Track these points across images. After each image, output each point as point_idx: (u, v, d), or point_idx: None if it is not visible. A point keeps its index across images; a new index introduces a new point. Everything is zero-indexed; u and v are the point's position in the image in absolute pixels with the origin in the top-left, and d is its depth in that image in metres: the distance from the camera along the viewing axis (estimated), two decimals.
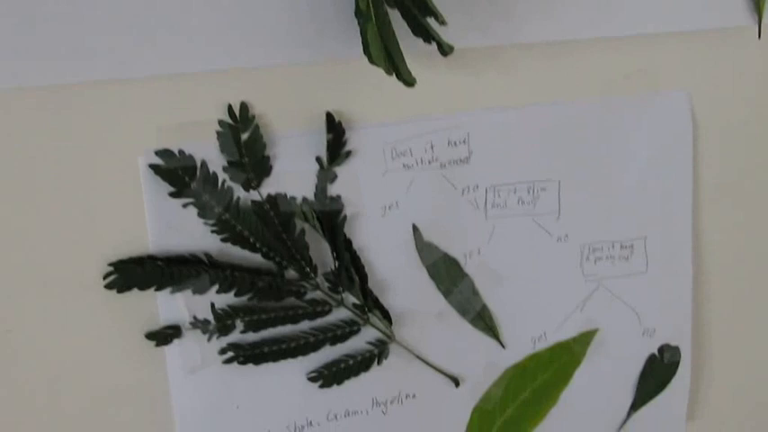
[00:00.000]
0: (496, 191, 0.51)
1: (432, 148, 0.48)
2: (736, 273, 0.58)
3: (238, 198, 0.43)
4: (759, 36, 0.52)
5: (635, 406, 0.58)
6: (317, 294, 0.46)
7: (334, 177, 0.47)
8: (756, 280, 0.59)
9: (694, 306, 0.57)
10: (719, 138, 0.54)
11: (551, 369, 0.54)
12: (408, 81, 0.40)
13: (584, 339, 0.55)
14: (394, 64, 0.40)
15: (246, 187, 0.44)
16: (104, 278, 0.41)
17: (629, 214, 0.54)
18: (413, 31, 0.39)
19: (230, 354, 0.45)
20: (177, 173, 0.41)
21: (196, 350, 0.45)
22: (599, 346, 0.56)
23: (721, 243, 0.57)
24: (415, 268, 0.49)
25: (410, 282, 0.49)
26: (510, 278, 0.52)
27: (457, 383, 0.52)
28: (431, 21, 0.39)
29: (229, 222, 0.43)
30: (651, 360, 0.57)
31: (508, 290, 0.52)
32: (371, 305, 0.48)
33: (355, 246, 0.48)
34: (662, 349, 0.58)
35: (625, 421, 0.58)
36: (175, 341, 0.44)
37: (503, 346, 0.53)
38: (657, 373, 0.58)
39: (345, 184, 0.47)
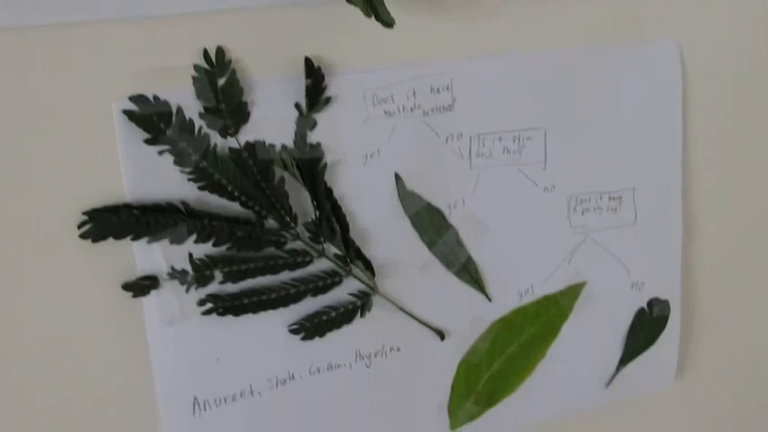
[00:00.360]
0: (481, 140, 0.52)
1: (414, 94, 0.50)
2: (727, 225, 0.61)
3: (215, 145, 0.43)
4: None
5: (624, 360, 0.60)
6: (298, 244, 0.47)
7: (313, 124, 0.48)
8: (747, 232, 0.62)
9: (684, 259, 0.60)
10: (709, 86, 0.56)
11: (539, 323, 0.57)
12: (387, 22, 0.42)
13: (572, 292, 0.57)
14: (372, 4, 0.41)
15: (224, 134, 0.44)
16: (79, 227, 0.41)
17: (617, 165, 0.56)
18: None
19: (209, 305, 0.45)
20: (152, 119, 0.41)
21: (174, 301, 0.45)
22: (587, 299, 0.58)
23: (712, 194, 0.59)
24: (397, 218, 0.51)
25: (393, 232, 0.51)
26: (496, 229, 0.54)
27: (442, 337, 0.54)
28: None
29: (207, 170, 0.44)
30: (640, 314, 0.60)
31: (494, 241, 0.54)
32: (353, 256, 0.50)
33: (336, 195, 0.49)
34: (651, 303, 0.60)
35: (614, 376, 0.60)
36: (153, 292, 0.44)
37: (489, 300, 0.55)
38: (646, 327, 0.60)
39: (325, 131, 0.48)
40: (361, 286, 0.51)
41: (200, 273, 0.46)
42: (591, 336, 0.58)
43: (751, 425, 0.65)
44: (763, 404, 0.65)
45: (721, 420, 0.64)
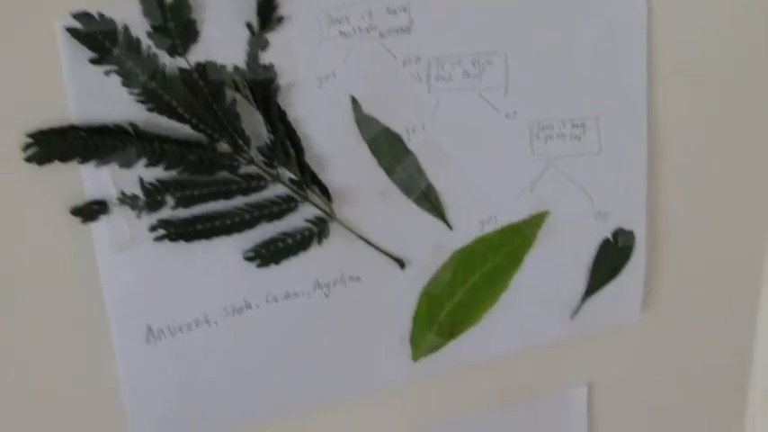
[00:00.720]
0: (440, 63, 0.54)
1: (370, 15, 0.51)
2: (694, 155, 0.63)
3: (164, 66, 0.44)
4: None
5: (588, 292, 0.63)
6: (252, 169, 0.48)
7: (265, 44, 0.49)
8: (715, 163, 0.65)
9: (649, 190, 0.62)
10: (675, 12, 0.58)
11: (501, 252, 0.59)
12: None
13: (535, 222, 0.60)
14: None
15: (172, 53, 0.44)
16: (24, 150, 0.42)
17: (581, 91, 0.58)
18: None
19: (161, 231, 0.47)
20: (97, 38, 0.41)
21: (125, 227, 0.46)
22: (551, 229, 0.60)
23: (678, 124, 0.61)
24: (355, 143, 0.53)
25: (350, 157, 0.53)
26: (456, 156, 0.56)
27: (402, 265, 0.57)
28: None
29: (155, 91, 0.44)
30: (605, 244, 0.63)
31: (455, 169, 0.56)
32: (309, 181, 0.52)
33: (291, 118, 0.50)
34: (616, 233, 0.63)
35: (579, 307, 0.64)
36: (102, 218, 0.45)
37: (450, 228, 0.58)
38: (611, 257, 0.63)
39: (278, 52, 0.50)
40: (318, 212, 0.53)
41: (152, 197, 0.48)
42: (555, 266, 0.60)
43: (717, 358, 0.69)
44: (729, 337, 0.68)
45: (688, 354, 0.68)
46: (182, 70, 0.45)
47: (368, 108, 0.53)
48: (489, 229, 0.57)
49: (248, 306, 0.53)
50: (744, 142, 0.64)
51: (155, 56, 0.45)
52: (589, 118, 0.60)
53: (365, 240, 0.55)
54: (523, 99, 0.57)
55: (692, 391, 0.70)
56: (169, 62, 0.45)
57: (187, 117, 0.47)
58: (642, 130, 0.61)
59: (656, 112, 0.61)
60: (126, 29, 0.44)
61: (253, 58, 0.49)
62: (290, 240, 0.51)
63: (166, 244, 0.48)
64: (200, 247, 0.48)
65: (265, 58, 0.48)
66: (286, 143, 0.51)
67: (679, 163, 0.62)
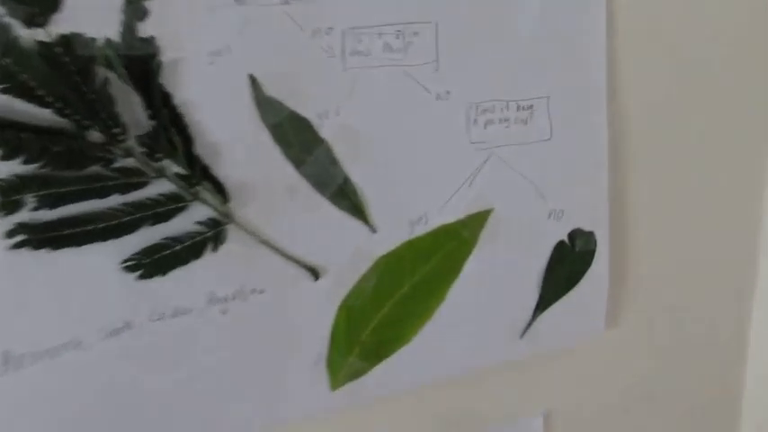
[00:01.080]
0: (356, 35, 0.58)
1: None
2: (663, 140, 0.68)
3: (19, 38, 0.44)
4: None
5: (541, 305, 0.67)
6: (130, 162, 0.49)
7: (144, 13, 0.49)
8: (688, 148, 0.69)
9: (611, 182, 0.66)
10: None
11: (435, 258, 0.63)
12: None
13: (475, 222, 0.64)
14: None
15: (29, 23, 0.45)
16: None
17: (526, 67, 0.63)
18: None
19: (20, 237, 0.47)
20: None
21: None
22: (494, 230, 0.65)
23: (644, 104, 0.65)
24: (255, 131, 0.54)
25: (250, 148, 0.54)
26: (379, 145, 0.58)
27: (316, 275, 0.60)
28: None
29: (9, 69, 0.44)
30: (560, 248, 0.67)
31: (377, 160, 0.58)
32: (200, 176, 0.55)
33: (177, 101, 0.50)
34: (573, 235, 0.67)
35: (530, 324, 0.68)
36: None
37: (372, 230, 0.61)
38: (568, 264, 0.67)
39: (160, 22, 0.51)
40: (212, 213, 0.54)
41: (8, 197, 0.47)
42: (500, 275, 0.64)
43: (696, 381, 0.72)
44: (712, 355, 0.72)
45: (661, 377, 0.71)
46: (41, 44, 0.45)
47: (270, 89, 0.54)
48: (420, 231, 0.60)
49: (129, 326, 0.53)
50: (722, 125, 0.67)
51: (7, 26, 0.44)
52: (537, 98, 0.64)
53: (270, 246, 0.56)
54: (458, 77, 0.61)
55: (666, 420, 0.72)
56: (26, 34, 0.45)
57: (49, 100, 0.46)
58: (601, 112, 0.65)
59: (617, 90, 0.65)
60: None
61: (128, 29, 0.48)
62: (178, 247, 0.53)
63: (27, 252, 0.48)
64: (68, 256, 0.49)
65: (144, 29, 0.49)
66: (171, 131, 0.51)
67: (646, 150, 0.66)
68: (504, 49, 0.60)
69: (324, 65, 0.57)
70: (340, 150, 0.59)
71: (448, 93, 0.60)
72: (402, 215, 0.59)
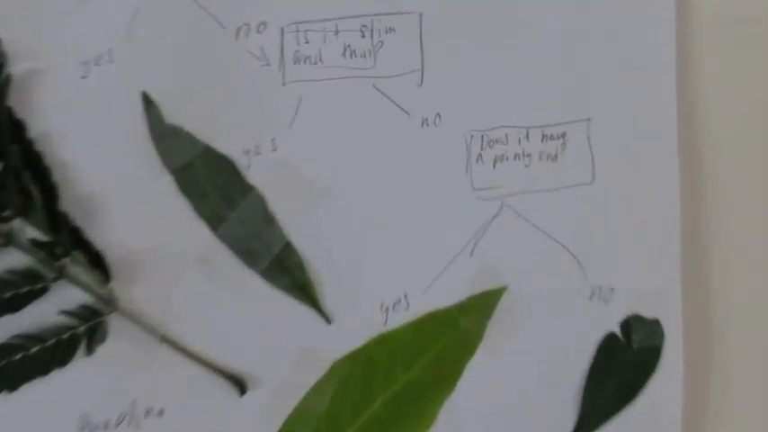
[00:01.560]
0: (301, 32, 0.58)
1: None
2: (763, 185, 0.67)
3: None
4: None
5: (582, 428, 0.65)
6: None
7: None
8: None
9: (687, 247, 0.66)
10: None
11: (421, 362, 0.62)
12: None
13: (480, 307, 0.63)
14: None
15: None
16: None
17: (557, 76, 0.63)
18: None
19: None
20: None
21: None
22: (509, 318, 0.64)
23: (735, 130, 0.65)
24: (152, 175, 0.56)
25: (144, 200, 0.56)
26: (336, 194, 0.60)
27: (243, 389, 0.60)
28: None
29: None
30: (608, 343, 0.66)
31: (333, 216, 0.59)
32: (68, 243, 0.55)
33: (34, 133, 0.54)
34: (628, 324, 0.66)
35: None
36: None
37: (327, 320, 0.61)
38: (621, 367, 0.65)
39: (8, 19, 0.53)
40: (86, 298, 0.55)
41: None
42: (518, 385, 0.63)
43: None
44: None
45: None
46: None
47: (174, 114, 0.56)
48: (398, 320, 0.60)
49: None
50: None
51: None
52: (573, 123, 0.64)
53: (173, 345, 0.57)
54: (453, 93, 0.61)
55: None
56: None
57: None
58: (670, 144, 0.65)
59: (695, 110, 0.66)
60: None
61: None
62: (34, 350, 0.53)
63: None
64: None
65: None
66: (23, 176, 0.53)
67: (738, 202, 0.66)
68: (523, 50, 0.61)
69: (254, 77, 0.58)
70: (277, 202, 0.59)
71: (438, 117, 0.60)
72: (371, 297, 0.60)
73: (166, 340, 0.58)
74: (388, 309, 0.61)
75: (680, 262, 0.66)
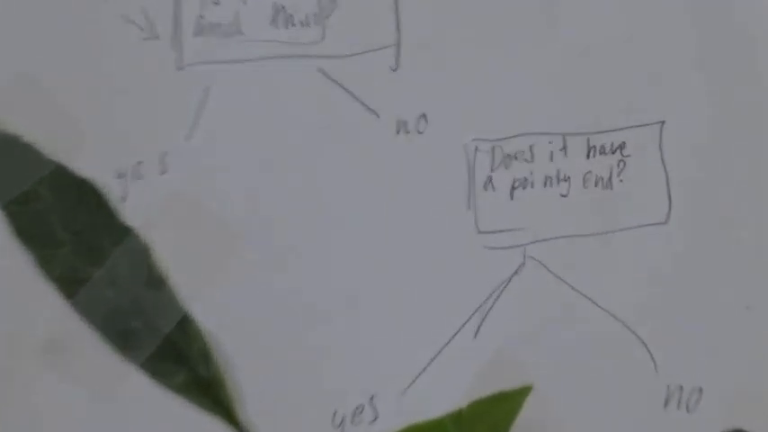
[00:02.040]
0: None
1: None
2: None
3: None
4: None
5: None
6: None
7: None
8: None
9: None
10: None
11: None
12: None
13: (491, 418, 0.61)
14: None
15: None
16: None
17: (607, 60, 0.62)
18: None
19: None
20: None
21: None
22: (540, 430, 0.60)
23: None
24: None
25: None
26: (259, 239, 0.59)
27: None
28: None
29: None
30: None
31: (257, 275, 0.59)
32: None
33: None
34: None
35: None
36: None
37: None
38: None
39: None
40: None
41: None
42: None
43: None
44: None
45: None
46: None
47: (7, 115, 0.55)
48: None
49: None
50: None
51: None
52: (635, 128, 0.63)
53: None
54: (445, 82, 0.60)
55: None
56: None
57: None
58: None
59: None
60: None
61: None
62: None
63: None
64: None
65: None
66: None
67: None
68: (562, 15, 0.60)
69: (132, 57, 0.56)
70: (170, 253, 0.57)
71: (423, 119, 0.59)
72: (318, 405, 0.59)
73: None
74: (344, 421, 0.60)
75: None
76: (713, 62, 0.65)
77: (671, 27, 0.63)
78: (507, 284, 0.62)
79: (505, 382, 0.62)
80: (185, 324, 0.58)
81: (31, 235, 0.56)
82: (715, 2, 0.63)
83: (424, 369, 0.61)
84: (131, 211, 0.58)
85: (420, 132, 0.59)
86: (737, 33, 0.65)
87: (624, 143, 0.62)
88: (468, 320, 0.61)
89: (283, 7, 0.57)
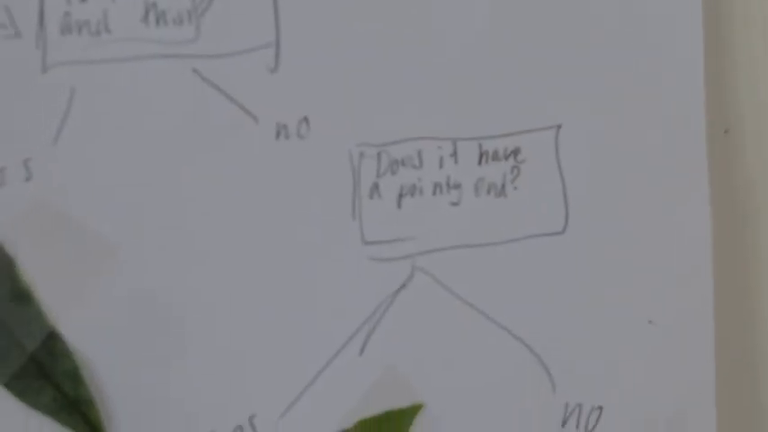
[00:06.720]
0: None
1: None
2: None
3: None
4: None
5: None
6: None
7: None
8: None
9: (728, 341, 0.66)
10: None
11: None
12: None
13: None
14: None
15: None
16: None
17: (503, 64, 0.63)
18: None
19: None
20: None
21: None
22: None
23: None
24: None
25: None
26: (130, 251, 0.60)
27: None
28: None
29: None
30: None
31: (128, 288, 0.60)
32: None
33: None
34: None
35: None
36: None
37: None
38: None
39: None
40: None
41: None
42: None
43: None
44: None
45: None
46: None
47: None
48: None
49: None
50: None
51: None
52: (531, 132, 0.65)
53: None
54: (329, 82, 0.61)
55: None
56: None
57: None
58: (699, 174, 0.67)
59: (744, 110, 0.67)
60: None
61: None
62: None
63: None
64: None
65: None
66: None
67: None
68: (447, 8, 0.60)
69: None
70: (35, 265, 0.58)
71: (305, 122, 0.60)
72: (195, 424, 0.61)
73: None
74: None
75: (714, 388, 0.68)
76: (611, 64, 0.67)
77: (567, 28, 0.64)
78: (395, 297, 0.63)
79: (394, 401, 0.64)
80: (52, 341, 0.59)
81: None
82: (612, 2, 0.64)
83: (307, 387, 0.62)
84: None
85: (301, 137, 0.60)
86: (635, 35, 0.66)
87: (518, 148, 0.63)
88: (353, 336, 0.62)
89: (155, 4, 0.57)
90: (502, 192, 0.64)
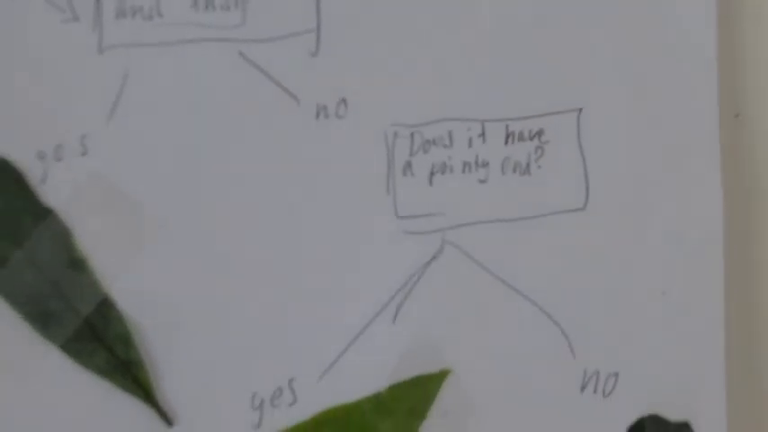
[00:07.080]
0: None
1: None
2: None
3: None
4: None
5: None
6: None
7: None
8: None
9: (735, 320, 0.69)
10: None
11: None
12: None
13: (409, 402, 0.65)
14: None
15: None
16: None
17: (529, 43, 0.66)
18: None
19: None
20: None
21: None
22: (452, 422, 0.66)
23: None
24: None
25: None
26: (178, 223, 0.62)
27: None
28: None
29: None
30: None
31: (177, 258, 0.62)
32: None
33: None
34: (641, 429, 0.69)
35: None
36: None
37: (167, 423, 0.62)
38: None
39: None
40: None
41: None
42: None
43: None
44: None
45: None
46: None
47: None
48: (280, 421, 0.63)
49: None
50: None
51: None
52: (554, 115, 0.67)
53: None
54: (366, 67, 0.64)
55: None
56: None
57: None
58: (711, 148, 0.70)
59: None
60: None
61: None
62: None
63: None
64: None
65: None
66: None
67: None
68: (475, 3, 0.63)
69: (52, 39, 0.59)
70: (90, 235, 0.59)
71: (343, 103, 0.62)
72: (236, 387, 0.62)
73: None
74: (263, 404, 0.63)
75: (723, 347, 0.70)
76: (629, 52, 0.69)
77: (589, 13, 0.66)
78: (426, 269, 0.65)
79: (424, 367, 0.66)
80: (105, 307, 0.61)
81: None
82: None
83: (343, 353, 0.64)
84: (51, 193, 0.60)
85: (340, 117, 0.62)
86: (652, 24, 0.68)
87: (542, 130, 0.65)
88: (387, 304, 0.64)
89: None
90: (527, 170, 0.65)
